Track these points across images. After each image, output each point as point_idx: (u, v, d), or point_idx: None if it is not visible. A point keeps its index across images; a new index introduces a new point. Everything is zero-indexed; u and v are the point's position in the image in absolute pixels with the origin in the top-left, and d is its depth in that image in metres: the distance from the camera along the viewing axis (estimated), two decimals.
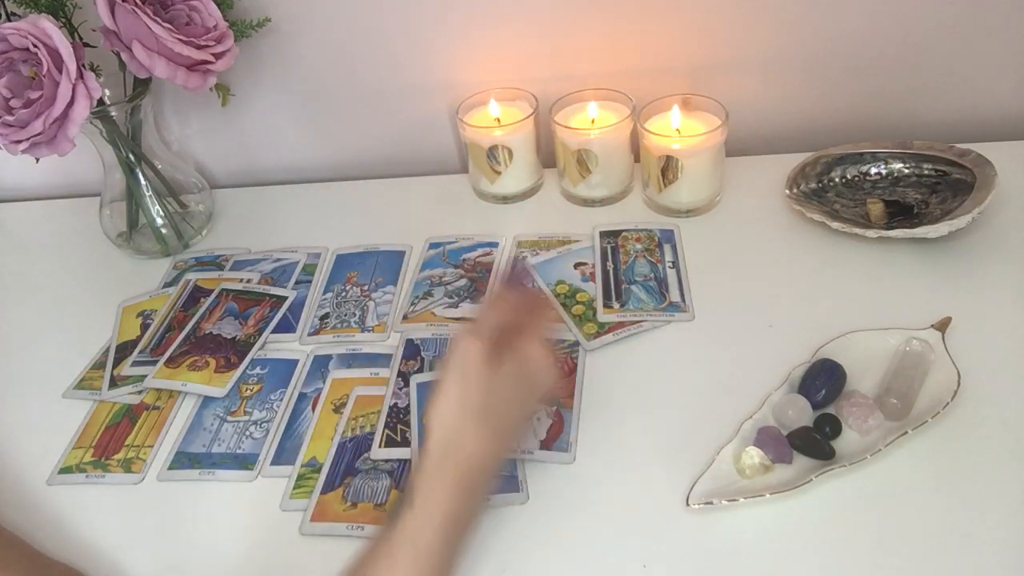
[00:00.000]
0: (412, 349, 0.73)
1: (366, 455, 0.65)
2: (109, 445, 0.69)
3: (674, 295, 0.74)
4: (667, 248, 0.80)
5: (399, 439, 0.65)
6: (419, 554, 0.48)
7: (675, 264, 0.78)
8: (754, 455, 0.58)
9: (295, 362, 0.74)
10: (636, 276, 0.77)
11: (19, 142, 0.72)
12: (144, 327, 0.80)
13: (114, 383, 0.74)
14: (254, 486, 0.65)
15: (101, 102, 0.80)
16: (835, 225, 0.75)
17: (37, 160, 0.76)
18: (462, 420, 0.51)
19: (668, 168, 0.80)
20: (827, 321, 0.67)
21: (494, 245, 0.83)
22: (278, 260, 0.86)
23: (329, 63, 0.92)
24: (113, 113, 0.81)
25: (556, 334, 0.60)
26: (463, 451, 0.51)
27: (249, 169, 1.01)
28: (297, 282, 0.83)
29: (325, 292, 0.81)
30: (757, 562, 0.54)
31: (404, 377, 0.70)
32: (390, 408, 0.68)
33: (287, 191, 0.98)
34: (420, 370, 0.71)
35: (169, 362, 0.75)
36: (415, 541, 0.48)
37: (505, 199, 0.89)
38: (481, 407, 0.52)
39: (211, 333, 0.77)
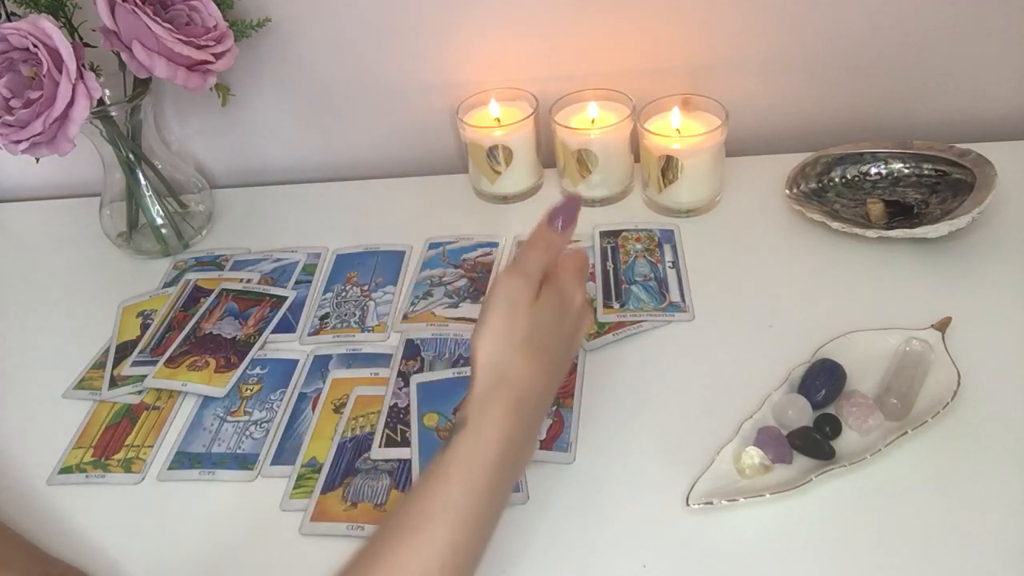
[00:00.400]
0: (412, 349, 0.73)
1: (366, 455, 0.65)
2: (109, 445, 0.69)
3: (674, 295, 0.74)
4: (667, 248, 0.80)
5: (399, 439, 0.65)
6: (472, 474, 0.48)
7: (675, 264, 0.78)
8: (754, 455, 0.58)
9: (295, 362, 0.74)
10: (636, 276, 0.77)
11: (19, 142, 0.72)
12: (144, 327, 0.80)
13: (114, 383, 0.74)
14: (254, 486, 0.65)
15: (101, 102, 0.80)
16: (835, 225, 0.75)
17: (37, 160, 0.76)
18: (509, 348, 0.51)
19: (668, 168, 0.80)
20: (827, 321, 0.67)
21: (494, 245, 0.83)
22: (278, 260, 0.86)
23: (329, 63, 0.92)
24: (113, 113, 0.81)
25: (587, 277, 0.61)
26: (513, 376, 0.51)
27: (249, 169, 1.01)
28: (297, 282, 0.83)
29: (325, 292, 0.81)
30: (757, 562, 0.54)
31: (404, 377, 0.70)
32: (390, 408, 0.68)
33: (287, 191, 0.98)
34: (420, 370, 0.71)
35: (169, 362, 0.75)
36: (469, 462, 0.48)
37: (505, 199, 0.89)
38: (527, 335, 0.52)
39: (211, 333, 0.77)
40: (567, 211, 0.57)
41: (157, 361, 0.75)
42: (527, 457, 0.52)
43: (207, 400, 0.72)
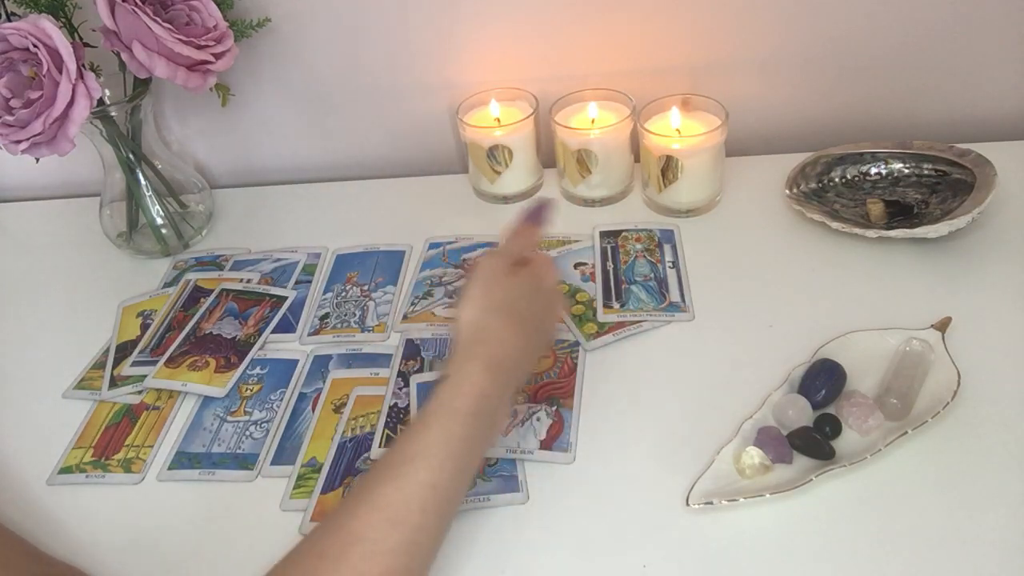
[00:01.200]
0: (412, 349, 0.73)
1: (366, 455, 0.65)
2: (109, 445, 0.69)
3: (674, 295, 0.74)
4: (667, 248, 0.80)
5: None
6: (449, 421, 0.51)
7: (675, 264, 0.78)
8: (754, 455, 0.58)
9: (295, 362, 0.74)
10: (636, 276, 0.77)
11: (19, 142, 0.72)
12: (144, 327, 0.80)
13: (114, 383, 0.74)
14: (254, 486, 0.65)
15: (101, 102, 0.80)
16: (835, 225, 0.75)
17: (37, 160, 0.76)
18: (486, 313, 0.57)
19: (668, 168, 0.80)
20: (827, 321, 0.67)
21: (494, 245, 0.83)
22: (278, 260, 0.86)
23: (329, 63, 0.92)
24: (113, 113, 0.81)
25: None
26: (490, 335, 0.56)
27: (249, 169, 1.01)
28: (297, 282, 0.83)
29: (325, 292, 0.81)
30: (757, 562, 0.54)
31: (404, 377, 0.70)
32: (390, 408, 0.68)
33: (287, 191, 0.98)
34: (420, 370, 0.71)
35: (169, 362, 0.75)
36: (446, 410, 0.52)
37: (505, 199, 0.89)
38: (503, 302, 0.57)
39: (211, 333, 0.77)
40: (541, 212, 0.65)
41: (157, 361, 0.75)
42: (502, 416, 0.56)
43: (207, 400, 0.72)
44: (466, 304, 0.57)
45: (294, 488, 0.63)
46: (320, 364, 0.74)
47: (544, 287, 0.61)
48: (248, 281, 0.84)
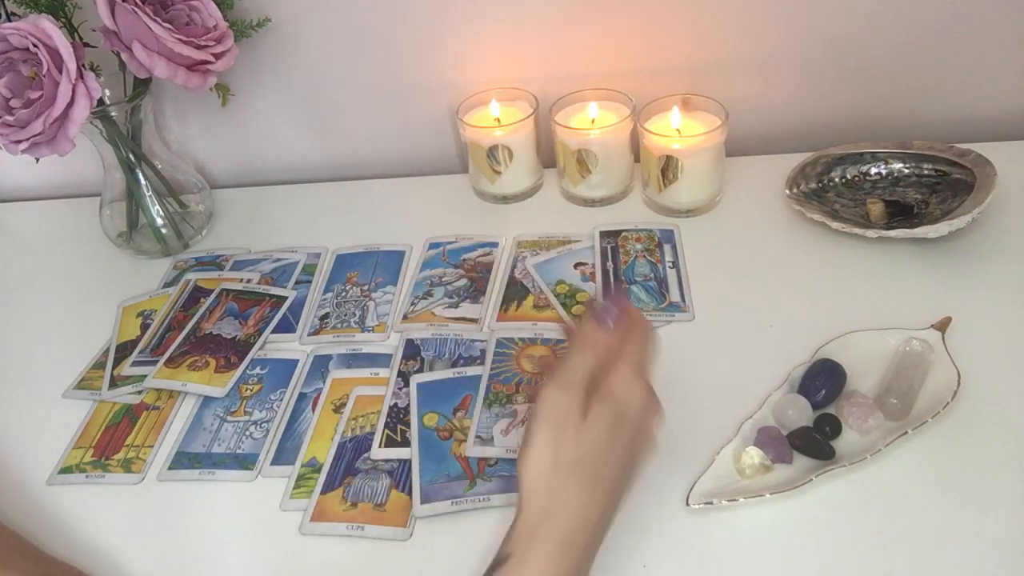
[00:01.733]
0: (412, 349, 0.73)
1: (366, 455, 0.65)
2: (109, 445, 0.69)
3: (674, 295, 0.74)
4: (667, 248, 0.80)
5: (399, 439, 0.65)
6: None
7: (675, 264, 0.78)
8: (754, 455, 0.58)
9: (295, 362, 0.74)
10: (636, 276, 0.77)
11: (19, 142, 0.72)
12: (144, 327, 0.80)
13: (114, 383, 0.74)
14: (254, 486, 0.65)
15: (101, 102, 0.80)
16: (835, 225, 0.75)
17: (37, 160, 0.76)
18: (556, 476, 0.47)
19: (668, 168, 0.80)
20: (827, 321, 0.67)
21: (494, 245, 0.83)
22: (278, 260, 0.86)
23: (329, 63, 0.92)
24: (113, 113, 0.81)
25: (653, 361, 0.52)
26: (560, 510, 0.46)
27: (249, 169, 1.01)
28: (297, 282, 0.83)
29: (325, 292, 0.81)
30: (757, 562, 0.54)
31: (404, 377, 0.70)
32: (390, 408, 0.68)
33: (287, 191, 0.98)
34: (420, 370, 0.71)
35: (169, 362, 0.75)
36: None
37: (505, 199, 0.89)
38: (576, 460, 0.47)
39: (211, 333, 0.77)
40: (611, 311, 0.50)
41: (157, 361, 0.75)
42: None
43: (207, 400, 0.72)
44: (530, 458, 0.47)
45: (294, 488, 0.63)
46: (320, 364, 0.74)
47: (627, 415, 0.49)
48: (248, 281, 0.84)
